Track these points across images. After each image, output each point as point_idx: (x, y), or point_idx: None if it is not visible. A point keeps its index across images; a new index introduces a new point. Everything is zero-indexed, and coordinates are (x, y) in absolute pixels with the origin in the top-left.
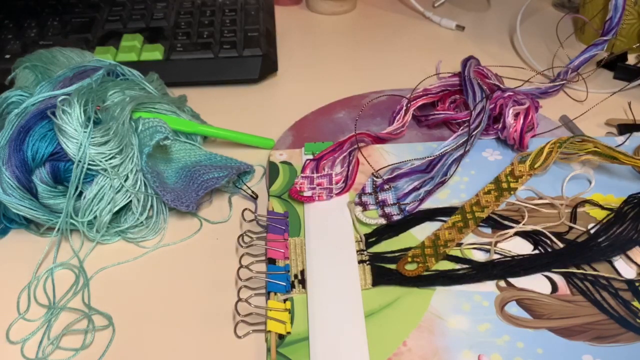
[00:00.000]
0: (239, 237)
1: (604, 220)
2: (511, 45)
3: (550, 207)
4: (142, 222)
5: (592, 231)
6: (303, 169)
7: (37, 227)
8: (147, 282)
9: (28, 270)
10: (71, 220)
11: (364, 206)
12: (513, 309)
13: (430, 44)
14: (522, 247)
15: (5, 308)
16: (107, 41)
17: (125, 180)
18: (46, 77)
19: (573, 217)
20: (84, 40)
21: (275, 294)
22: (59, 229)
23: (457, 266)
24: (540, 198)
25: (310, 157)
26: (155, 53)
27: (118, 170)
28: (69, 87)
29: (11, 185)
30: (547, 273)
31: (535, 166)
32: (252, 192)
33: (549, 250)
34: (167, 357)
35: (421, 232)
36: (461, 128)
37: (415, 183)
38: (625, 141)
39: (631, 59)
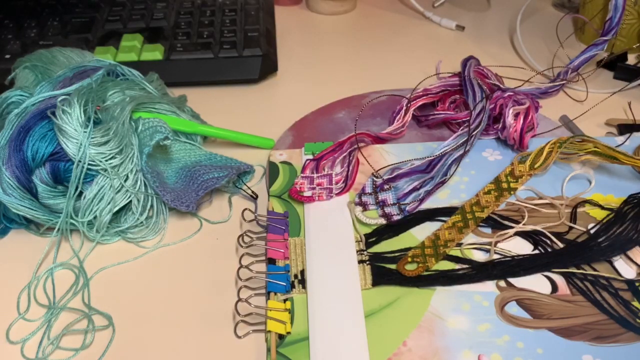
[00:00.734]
0: (239, 237)
1: (604, 220)
2: (511, 45)
3: (550, 207)
4: (142, 222)
5: (592, 231)
6: (303, 169)
7: (37, 227)
8: (147, 282)
9: (28, 270)
10: (71, 220)
11: (364, 206)
12: (513, 309)
13: (430, 44)
14: (522, 247)
15: (5, 308)
16: (107, 41)
17: (125, 180)
18: (46, 77)
19: (573, 217)
20: (84, 40)
21: (275, 294)
22: (59, 229)
23: (457, 266)
24: (540, 198)
25: (310, 157)
26: (155, 53)
27: (118, 170)
28: (69, 87)
29: (11, 185)
30: (547, 273)
31: (535, 166)
32: (252, 192)
33: (549, 250)
34: (167, 357)
35: (421, 232)
36: (461, 128)
37: (415, 183)
38: (625, 141)
39: (631, 59)
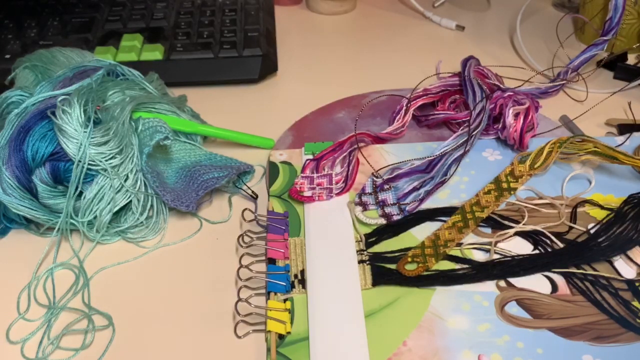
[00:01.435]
0: (239, 237)
1: (604, 220)
2: (511, 45)
3: (550, 207)
4: (142, 222)
5: (592, 231)
6: (303, 169)
7: (37, 227)
8: (147, 282)
9: (28, 270)
10: (71, 220)
11: (364, 206)
12: (513, 309)
13: (430, 44)
14: (522, 247)
15: (5, 308)
16: (107, 41)
17: (125, 180)
18: (46, 77)
19: (573, 217)
20: (84, 40)
21: (275, 294)
22: (59, 229)
23: (457, 266)
24: (540, 198)
25: (310, 157)
26: (155, 53)
27: (118, 170)
28: (69, 87)
29: (11, 185)
30: (547, 273)
31: (535, 166)
32: (252, 192)
33: (549, 250)
34: (167, 357)
35: (421, 232)
36: (461, 128)
37: (415, 183)
38: (625, 141)
39: (631, 59)
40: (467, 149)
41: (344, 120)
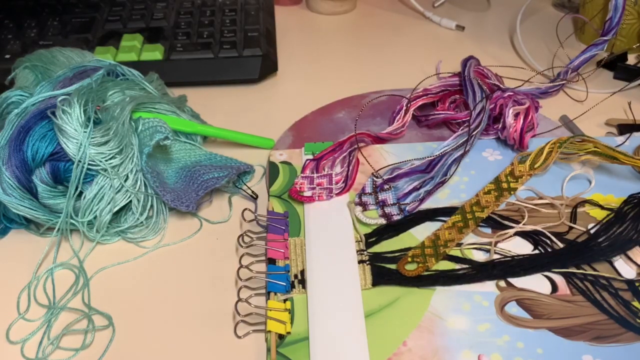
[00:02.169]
0: (239, 237)
1: (604, 220)
2: (511, 45)
3: (550, 207)
4: (142, 222)
5: (592, 231)
6: (303, 169)
7: (37, 227)
8: (147, 282)
9: (28, 270)
10: (71, 220)
11: (364, 206)
12: (513, 309)
13: (430, 44)
14: (522, 247)
15: (5, 308)
16: (107, 41)
17: (125, 180)
18: (46, 77)
19: (573, 217)
20: (84, 40)
21: (275, 294)
22: (59, 229)
23: (457, 266)
24: (540, 198)
25: (310, 157)
26: (155, 53)
27: (118, 170)
28: (69, 87)
29: (11, 185)
30: (547, 273)
31: (535, 166)
32: (252, 192)
33: (549, 250)
34: (167, 357)
35: (421, 232)
36: (461, 128)
37: (415, 183)
38: (625, 141)
39: (631, 59)
40: (467, 149)
41: (343, 120)
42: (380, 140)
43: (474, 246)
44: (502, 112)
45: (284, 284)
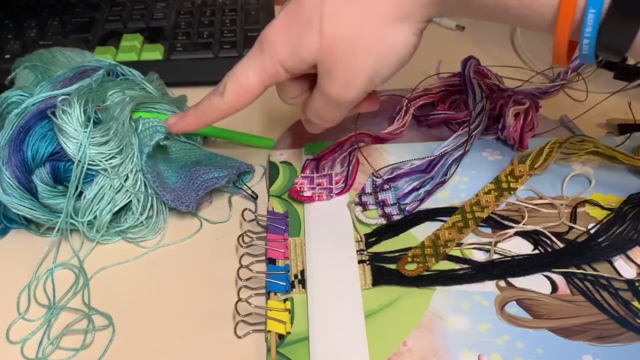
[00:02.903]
0: (239, 237)
1: (604, 220)
2: (511, 45)
3: (550, 207)
4: (142, 222)
5: (592, 231)
6: (303, 169)
7: (37, 227)
8: (147, 282)
9: (28, 270)
10: (71, 220)
11: (364, 206)
12: (513, 309)
13: (430, 44)
14: (522, 247)
15: (5, 308)
16: (107, 41)
17: (125, 180)
18: (46, 77)
19: (573, 217)
20: (84, 40)
21: (275, 294)
22: (59, 229)
23: (457, 266)
24: (540, 198)
25: (310, 157)
26: (155, 53)
27: (118, 170)
28: (69, 87)
29: (11, 185)
30: (547, 273)
31: (535, 166)
32: (252, 192)
33: (549, 250)
34: (167, 357)
35: (421, 232)
36: (461, 128)
37: (415, 183)
38: (625, 141)
39: (631, 59)
40: (467, 149)
41: (344, 120)
42: (380, 140)
43: (474, 246)
44: (502, 112)
45: (284, 284)
